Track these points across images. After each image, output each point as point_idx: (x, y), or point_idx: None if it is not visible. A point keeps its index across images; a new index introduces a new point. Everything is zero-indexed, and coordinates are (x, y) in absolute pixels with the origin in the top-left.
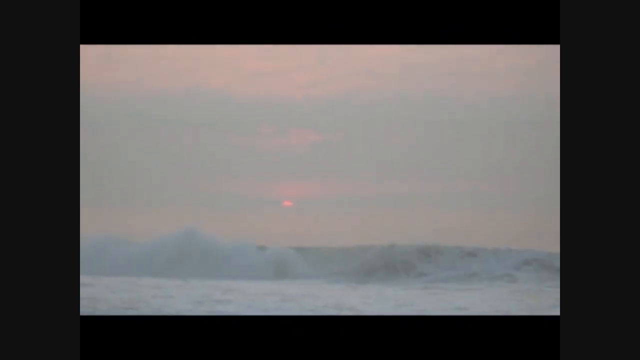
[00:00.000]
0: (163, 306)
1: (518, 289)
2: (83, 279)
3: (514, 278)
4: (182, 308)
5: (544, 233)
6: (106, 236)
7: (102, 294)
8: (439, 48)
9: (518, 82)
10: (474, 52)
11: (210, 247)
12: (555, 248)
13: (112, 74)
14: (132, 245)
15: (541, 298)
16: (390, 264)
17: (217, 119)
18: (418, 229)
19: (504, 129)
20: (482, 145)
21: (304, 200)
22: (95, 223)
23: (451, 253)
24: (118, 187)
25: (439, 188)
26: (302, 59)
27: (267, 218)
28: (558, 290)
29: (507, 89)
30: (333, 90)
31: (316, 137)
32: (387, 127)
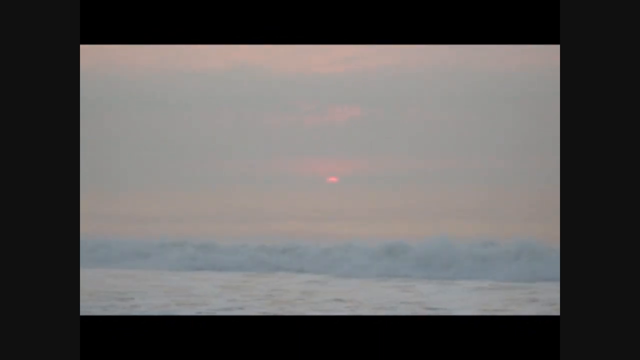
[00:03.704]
0: None
1: None
2: None
3: None
4: None
5: None
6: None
7: None
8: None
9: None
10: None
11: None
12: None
13: (155, 55)
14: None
15: None
16: None
17: (257, 96)
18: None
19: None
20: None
21: (348, 177)
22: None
23: None
24: (158, 168)
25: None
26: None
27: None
28: None
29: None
30: (372, 65)
31: (355, 112)
32: (429, 102)
